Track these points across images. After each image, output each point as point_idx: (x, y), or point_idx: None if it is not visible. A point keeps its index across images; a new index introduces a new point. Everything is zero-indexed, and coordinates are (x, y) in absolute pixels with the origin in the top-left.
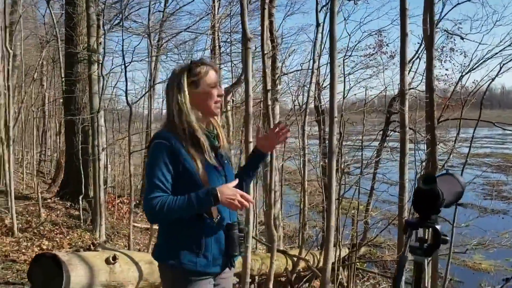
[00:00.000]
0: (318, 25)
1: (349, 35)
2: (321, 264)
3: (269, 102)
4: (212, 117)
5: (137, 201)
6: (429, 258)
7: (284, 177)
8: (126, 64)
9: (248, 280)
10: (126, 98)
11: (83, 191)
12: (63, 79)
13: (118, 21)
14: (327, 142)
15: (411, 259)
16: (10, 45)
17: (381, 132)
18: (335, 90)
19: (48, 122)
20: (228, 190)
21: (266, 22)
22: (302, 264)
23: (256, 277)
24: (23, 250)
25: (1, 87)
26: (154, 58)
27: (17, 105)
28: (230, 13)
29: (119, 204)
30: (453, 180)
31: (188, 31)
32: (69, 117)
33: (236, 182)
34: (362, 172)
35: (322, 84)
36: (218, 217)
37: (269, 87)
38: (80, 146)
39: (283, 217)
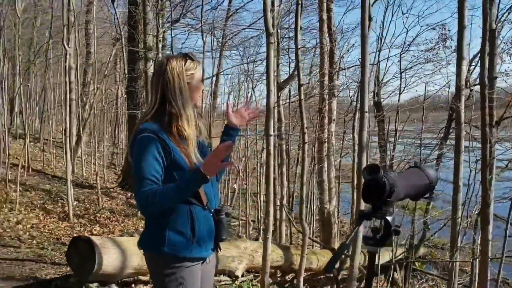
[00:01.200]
0: (370, 19)
1: (407, 30)
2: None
3: (302, 97)
4: (195, 108)
5: None
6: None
7: (345, 174)
8: None
9: (268, 270)
10: None
11: None
12: (126, 75)
13: (177, 18)
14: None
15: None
16: (81, 43)
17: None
18: (366, 84)
19: (121, 116)
20: (208, 162)
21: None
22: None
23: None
24: (75, 234)
25: (73, 84)
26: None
27: (91, 100)
28: (289, 9)
29: None
30: (419, 173)
31: (251, 28)
32: (129, 111)
33: None
34: None
35: (382, 79)
36: (207, 203)
37: (302, 81)
38: None
39: (340, 214)
